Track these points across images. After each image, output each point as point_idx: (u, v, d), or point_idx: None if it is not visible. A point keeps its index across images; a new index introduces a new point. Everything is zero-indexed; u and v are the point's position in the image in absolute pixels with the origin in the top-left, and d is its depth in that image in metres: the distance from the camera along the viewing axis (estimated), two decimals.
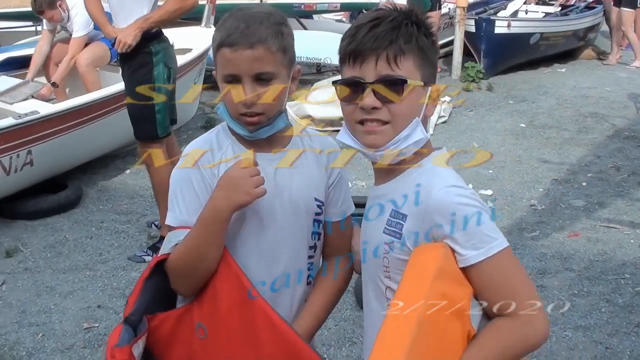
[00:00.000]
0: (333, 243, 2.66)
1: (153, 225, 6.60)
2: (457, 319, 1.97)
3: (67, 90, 8.74)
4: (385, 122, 2.11)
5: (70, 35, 8.56)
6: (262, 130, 2.44)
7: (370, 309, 2.33)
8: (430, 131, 2.22)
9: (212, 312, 2.42)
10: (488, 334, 2.03)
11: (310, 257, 2.59)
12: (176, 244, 2.40)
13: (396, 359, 1.81)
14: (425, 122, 2.19)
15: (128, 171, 8.22)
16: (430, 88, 2.18)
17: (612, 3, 15.07)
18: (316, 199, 2.55)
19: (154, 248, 6.02)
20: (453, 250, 2.03)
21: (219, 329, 2.42)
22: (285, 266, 2.51)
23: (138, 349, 2.34)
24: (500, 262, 2.03)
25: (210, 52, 7.42)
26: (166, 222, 2.51)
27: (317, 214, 2.57)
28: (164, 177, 5.81)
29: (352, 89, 2.13)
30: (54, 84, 8.40)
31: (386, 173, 2.25)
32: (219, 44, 2.39)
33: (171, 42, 6.13)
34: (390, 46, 2.09)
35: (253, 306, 2.37)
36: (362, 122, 2.14)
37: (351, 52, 2.13)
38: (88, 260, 6.08)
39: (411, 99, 2.11)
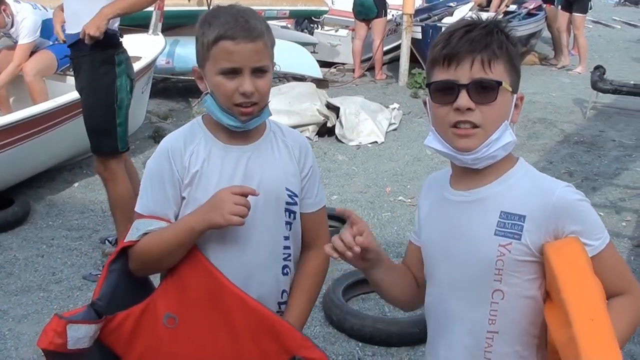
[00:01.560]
0: (308, 233, 2.81)
1: (107, 241, 6.36)
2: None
3: (11, 100, 8.44)
4: (476, 126, 2.16)
5: (14, 43, 8.26)
6: (252, 121, 2.61)
7: (449, 312, 2.33)
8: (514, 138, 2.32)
9: (182, 301, 2.60)
10: (614, 313, 2.09)
11: (286, 247, 2.72)
12: (144, 233, 2.59)
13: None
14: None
15: (76, 184, 7.94)
16: (515, 95, 2.24)
17: (559, 8, 15.19)
18: (287, 189, 2.70)
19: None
20: None
21: (190, 316, 2.60)
22: (256, 255, 2.64)
23: (79, 331, 2.52)
24: (612, 248, 2.21)
25: (159, 60, 7.19)
26: (135, 209, 2.69)
27: (288, 203, 2.70)
28: (122, 193, 5.61)
29: (446, 91, 2.18)
30: None
31: (480, 177, 2.26)
32: (217, 38, 2.50)
33: None
34: (485, 50, 2.15)
35: (222, 290, 2.56)
36: (455, 126, 2.18)
37: (446, 55, 2.18)
38: (41, 280, 5.80)
39: (502, 102, 2.18)
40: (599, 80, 10.86)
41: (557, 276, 2.06)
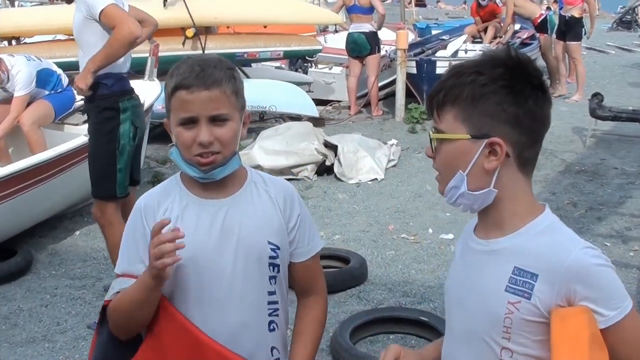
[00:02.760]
0: (303, 282, 2.77)
1: None
2: None
3: (10, 151, 8.41)
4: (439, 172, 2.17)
5: (11, 96, 8.26)
6: (216, 171, 2.50)
7: None
8: (491, 186, 2.13)
9: None
10: None
11: (271, 302, 2.61)
12: (117, 292, 2.54)
13: None
14: (487, 176, 2.08)
15: (78, 232, 7.90)
16: (485, 141, 2.04)
17: (554, 37, 15.21)
18: (270, 243, 2.58)
19: None
20: (593, 312, 1.98)
21: None
22: (239, 314, 2.54)
23: None
24: (634, 319, 2.02)
25: (157, 105, 7.31)
26: (115, 270, 2.66)
27: (271, 257, 2.59)
28: (119, 239, 5.60)
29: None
30: None
31: (499, 226, 2.14)
32: (174, 88, 2.46)
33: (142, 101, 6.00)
34: (435, 97, 2.12)
35: (203, 348, 2.45)
36: None
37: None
38: (45, 331, 5.74)
39: (447, 151, 2.10)
40: (597, 107, 10.83)
41: (553, 350, 1.97)
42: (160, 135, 11.49)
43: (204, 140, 2.42)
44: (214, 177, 2.51)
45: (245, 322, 2.55)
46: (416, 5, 33.78)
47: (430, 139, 2.12)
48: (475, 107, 2.04)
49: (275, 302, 2.62)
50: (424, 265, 6.87)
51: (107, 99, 5.63)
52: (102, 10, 5.39)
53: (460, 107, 2.05)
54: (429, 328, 5.34)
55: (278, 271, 2.62)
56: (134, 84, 9.03)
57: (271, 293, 2.61)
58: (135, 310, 2.49)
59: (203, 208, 2.55)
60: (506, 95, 2.04)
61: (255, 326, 2.58)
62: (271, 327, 2.62)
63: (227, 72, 2.49)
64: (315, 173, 9.96)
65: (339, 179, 9.81)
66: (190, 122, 2.44)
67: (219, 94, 2.43)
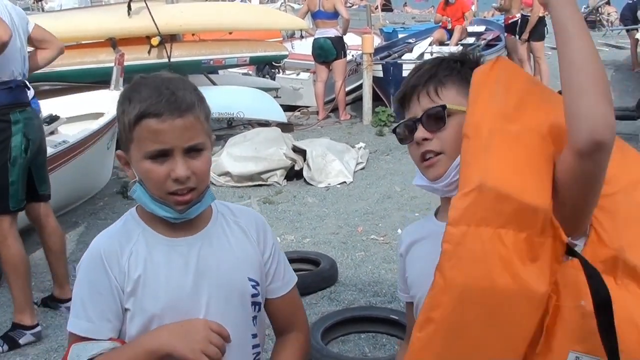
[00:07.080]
0: (284, 318, 2.53)
1: None
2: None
3: None
4: (439, 153, 2.17)
5: None
6: (192, 210, 2.24)
7: None
8: None
9: None
10: None
11: (254, 346, 2.39)
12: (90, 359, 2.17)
13: None
14: None
15: None
16: None
17: (517, 38, 15.24)
18: (250, 279, 2.35)
19: (5, 337, 5.66)
20: None
21: None
22: None
23: None
24: None
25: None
26: (73, 330, 2.25)
27: (253, 295, 2.36)
28: (14, 256, 5.52)
29: (409, 129, 2.22)
30: None
31: None
32: (140, 116, 2.13)
33: (40, 115, 5.88)
34: (429, 80, 2.19)
35: None
36: (423, 159, 2.20)
37: (400, 98, 2.28)
38: None
39: (457, 125, 2.10)
40: None
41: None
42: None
43: (181, 175, 2.14)
44: (190, 216, 2.26)
45: None
46: (382, 9, 33.91)
47: (421, 119, 2.17)
48: (466, 86, 2.14)
49: (258, 345, 2.41)
50: (394, 265, 6.88)
51: None
52: None
53: (458, 85, 2.19)
54: (399, 326, 5.37)
55: (259, 310, 2.40)
56: (101, 94, 9.11)
57: (254, 336, 2.39)
58: None
59: (172, 249, 2.28)
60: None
61: None
62: None
63: (195, 93, 2.23)
64: (285, 178, 10.00)
65: (308, 183, 9.87)
66: (162, 155, 2.14)
67: (194, 120, 2.16)
